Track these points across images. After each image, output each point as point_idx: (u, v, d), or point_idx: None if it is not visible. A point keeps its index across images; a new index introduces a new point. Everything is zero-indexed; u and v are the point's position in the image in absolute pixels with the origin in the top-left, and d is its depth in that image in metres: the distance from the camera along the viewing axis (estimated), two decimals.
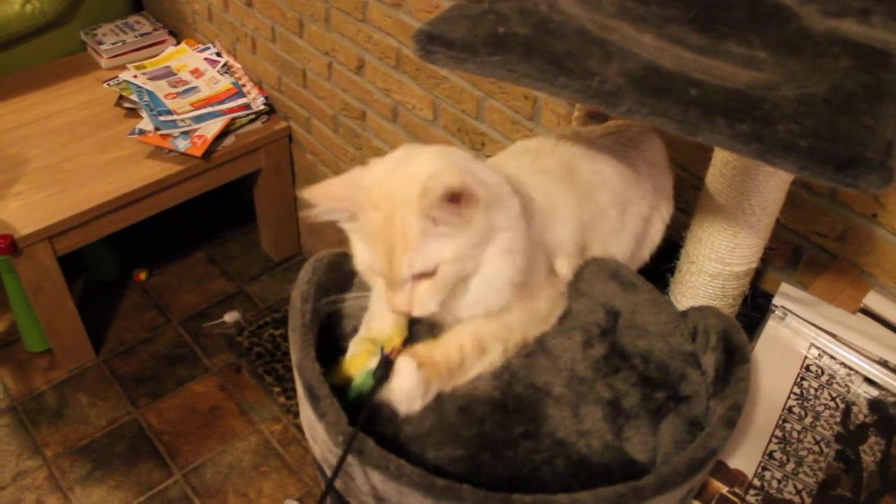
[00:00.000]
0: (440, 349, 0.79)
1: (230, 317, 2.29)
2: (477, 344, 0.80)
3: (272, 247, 2.49)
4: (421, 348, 0.79)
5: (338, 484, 0.79)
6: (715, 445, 0.72)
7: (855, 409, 0.89)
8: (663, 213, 1.05)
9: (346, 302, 0.90)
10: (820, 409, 0.88)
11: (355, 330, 0.86)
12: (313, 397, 0.74)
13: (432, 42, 0.78)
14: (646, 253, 1.06)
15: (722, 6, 0.87)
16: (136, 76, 2.21)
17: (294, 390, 1.42)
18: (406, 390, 0.76)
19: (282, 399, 2.08)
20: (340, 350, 0.83)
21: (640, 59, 0.74)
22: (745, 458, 0.83)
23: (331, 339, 0.86)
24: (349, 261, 0.94)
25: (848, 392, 0.90)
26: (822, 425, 0.86)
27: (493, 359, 0.82)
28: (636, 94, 0.70)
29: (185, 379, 2.14)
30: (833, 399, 0.89)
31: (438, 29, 0.79)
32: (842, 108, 0.70)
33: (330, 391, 0.74)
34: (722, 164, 0.90)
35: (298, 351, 0.79)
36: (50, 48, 2.38)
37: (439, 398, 0.79)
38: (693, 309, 0.91)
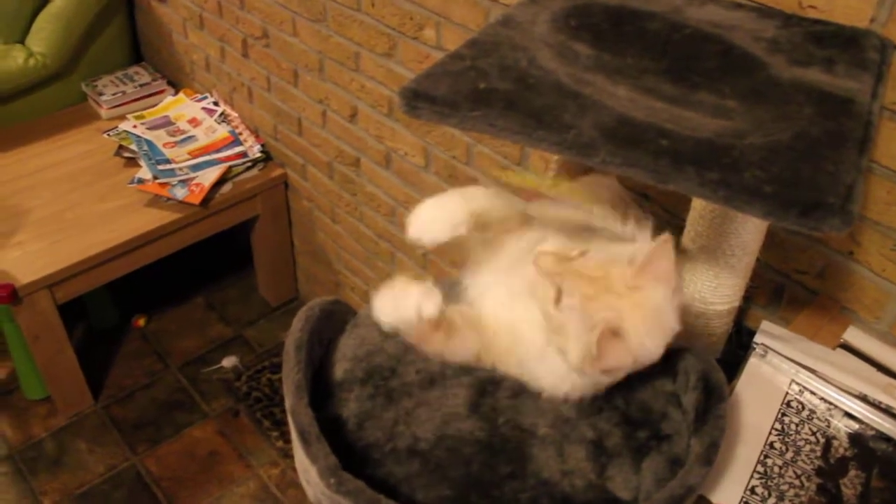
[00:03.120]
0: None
1: (228, 362, 2.31)
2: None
3: (270, 292, 2.52)
4: None
5: None
6: (693, 482, 0.74)
7: (835, 443, 0.90)
8: None
9: None
10: (801, 443, 0.90)
11: (346, 373, 0.89)
12: (306, 442, 0.77)
13: (417, 98, 0.82)
14: None
15: (694, 57, 0.91)
16: (135, 126, 2.25)
17: None
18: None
19: (280, 443, 2.09)
20: (333, 394, 0.86)
21: (613, 112, 0.78)
22: (727, 494, 0.84)
23: (324, 384, 0.89)
24: (341, 308, 0.97)
25: (828, 426, 0.92)
26: (802, 460, 0.88)
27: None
28: (609, 146, 0.74)
29: (184, 424, 2.15)
30: (814, 434, 0.91)
31: (423, 86, 0.83)
32: (805, 155, 0.73)
33: (321, 435, 0.76)
34: (702, 207, 0.93)
35: (292, 396, 0.82)
36: (51, 100, 2.43)
37: (427, 442, 0.81)
38: (674, 349, 0.94)
